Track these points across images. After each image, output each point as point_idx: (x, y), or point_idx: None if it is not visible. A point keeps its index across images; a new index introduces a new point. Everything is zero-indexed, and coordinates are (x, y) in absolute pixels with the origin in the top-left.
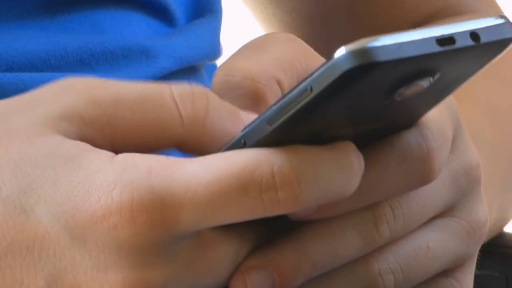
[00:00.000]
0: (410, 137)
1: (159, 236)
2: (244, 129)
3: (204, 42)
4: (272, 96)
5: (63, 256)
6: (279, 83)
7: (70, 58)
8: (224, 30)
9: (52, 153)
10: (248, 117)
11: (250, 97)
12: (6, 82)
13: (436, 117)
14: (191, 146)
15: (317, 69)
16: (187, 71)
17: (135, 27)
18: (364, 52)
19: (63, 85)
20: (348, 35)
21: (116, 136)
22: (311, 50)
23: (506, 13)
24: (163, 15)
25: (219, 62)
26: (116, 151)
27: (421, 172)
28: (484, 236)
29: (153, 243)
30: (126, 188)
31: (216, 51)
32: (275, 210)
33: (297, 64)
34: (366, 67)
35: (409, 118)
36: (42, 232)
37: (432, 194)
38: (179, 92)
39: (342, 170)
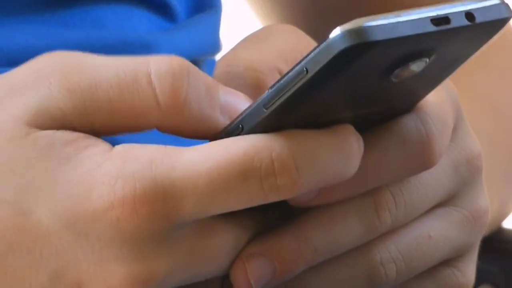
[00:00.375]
0: (408, 121)
1: (161, 226)
2: (242, 113)
3: (204, 37)
4: None
5: (65, 253)
6: (280, 73)
7: None
8: (223, 26)
9: (45, 156)
10: (229, 93)
11: (252, 87)
12: None
13: (436, 102)
14: (168, 129)
15: (312, 50)
16: None
17: (135, 22)
18: (359, 32)
19: (37, 70)
20: None
21: (94, 122)
22: (312, 41)
23: None
24: (164, 10)
25: (218, 57)
26: (96, 134)
27: (421, 156)
28: (485, 225)
29: (155, 234)
30: (128, 180)
31: (216, 46)
32: (275, 196)
33: (298, 55)
34: (361, 47)
35: (407, 102)
36: (43, 231)
37: (433, 182)
38: (157, 72)
39: (340, 152)
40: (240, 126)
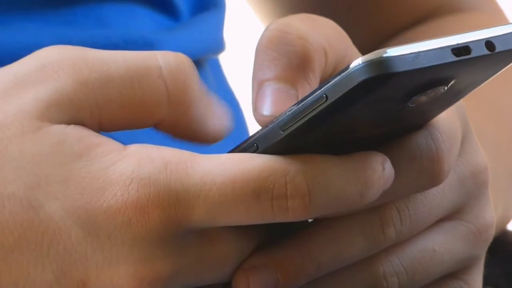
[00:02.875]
0: (419, 138)
1: (171, 230)
2: (258, 132)
3: (208, 36)
4: (318, 63)
5: (73, 251)
6: (325, 54)
7: None
8: (226, 25)
9: (57, 150)
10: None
11: (300, 57)
12: None
13: (446, 118)
14: (170, 127)
15: (333, 78)
16: None
17: (139, 21)
18: (380, 63)
19: (43, 63)
20: (348, 31)
21: (103, 117)
22: (349, 39)
23: (504, 9)
24: (167, 9)
25: (222, 57)
26: (103, 129)
27: (430, 173)
28: (490, 238)
29: (164, 237)
30: (143, 182)
31: (219, 45)
32: (284, 217)
33: (339, 45)
34: (382, 78)
35: (419, 120)
36: (52, 227)
37: (439, 197)
38: (167, 67)
39: (355, 183)
40: (255, 145)
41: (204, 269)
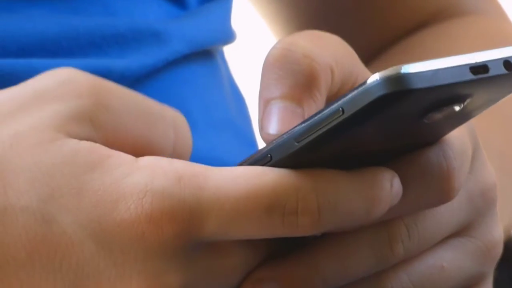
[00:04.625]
0: (430, 154)
1: (182, 244)
2: (272, 143)
3: (216, 25)
4: (325, 81)
5: (86, 265)
6: (332, 71)
7: (81, 41)
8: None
9: (70, 161)
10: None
11: (306, 75)
12: (18, 69)
13: (457, 136)
14: None
15: (350, 92)
16: (201, 55)
17: (146, 9)
18: (398, 79)
19: (64, 79)
20: (352, 33)
21: (114, 144)
22: (356, 55)
23: (505, 10)
24: None
25: (232, 47)
26: None
27: (440, 190)
28: (498, 255)
29: (176, 251)
30: (157, 196)
31: (229, 35)
32: (293, 232)
33: (345, 62)
34: (399, 94)
35: (432, 136)
36: (65, 241)
37: (448, 214)
38: (177, 118)
39: (363, 201)
40: (269, 155)
41: (212, 281)
